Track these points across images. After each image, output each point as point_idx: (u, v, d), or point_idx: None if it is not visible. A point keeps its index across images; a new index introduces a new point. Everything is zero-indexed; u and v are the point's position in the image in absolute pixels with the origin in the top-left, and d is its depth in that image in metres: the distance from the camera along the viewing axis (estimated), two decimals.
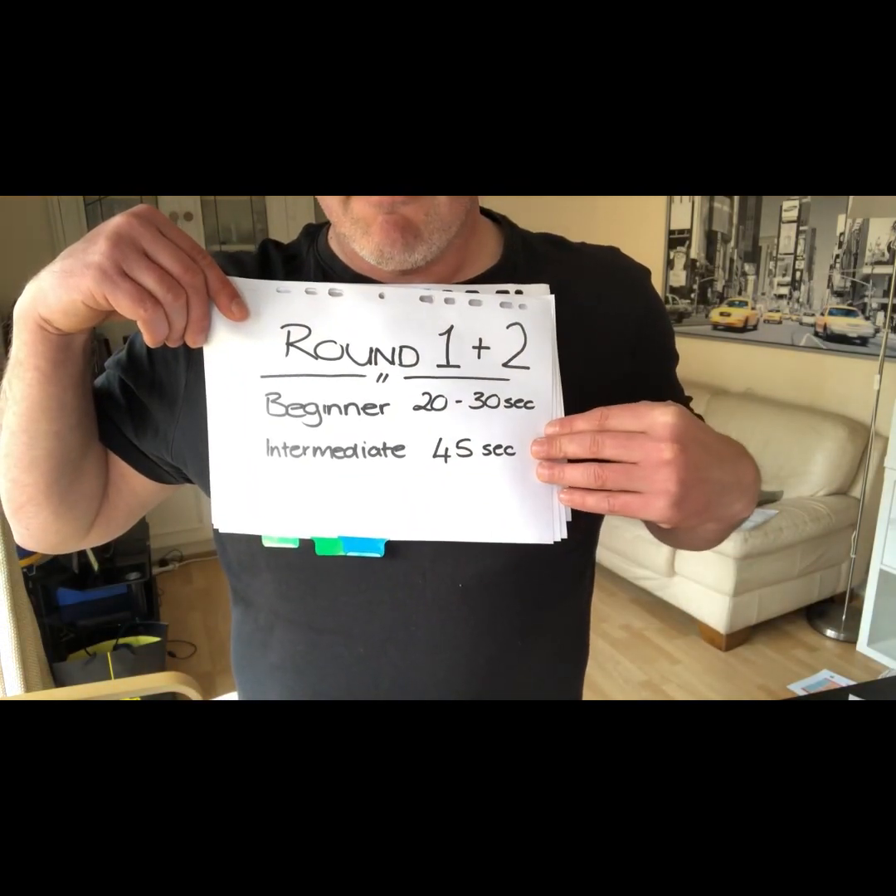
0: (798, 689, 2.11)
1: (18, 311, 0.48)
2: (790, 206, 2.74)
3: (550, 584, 0.61)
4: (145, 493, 0.64)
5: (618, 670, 2.23)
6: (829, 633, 2.41)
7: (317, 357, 0.51)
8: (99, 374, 0.61)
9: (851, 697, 0.89)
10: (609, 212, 3.59)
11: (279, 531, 0.54)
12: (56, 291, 0.45)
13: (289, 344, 0.51)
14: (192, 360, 0.55)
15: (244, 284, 0.51)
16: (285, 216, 3.04)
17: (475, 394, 0.51)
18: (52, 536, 0.61)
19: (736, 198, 2.98)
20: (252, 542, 0.57)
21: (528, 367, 0.52)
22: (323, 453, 0.52)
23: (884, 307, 2.40)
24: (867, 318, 2.50)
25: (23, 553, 1.70)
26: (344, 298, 0.52)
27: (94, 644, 2.07)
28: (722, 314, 3.10)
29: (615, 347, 0.59)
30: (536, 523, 0.52)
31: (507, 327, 0.52)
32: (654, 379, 0.61)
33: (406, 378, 0.51)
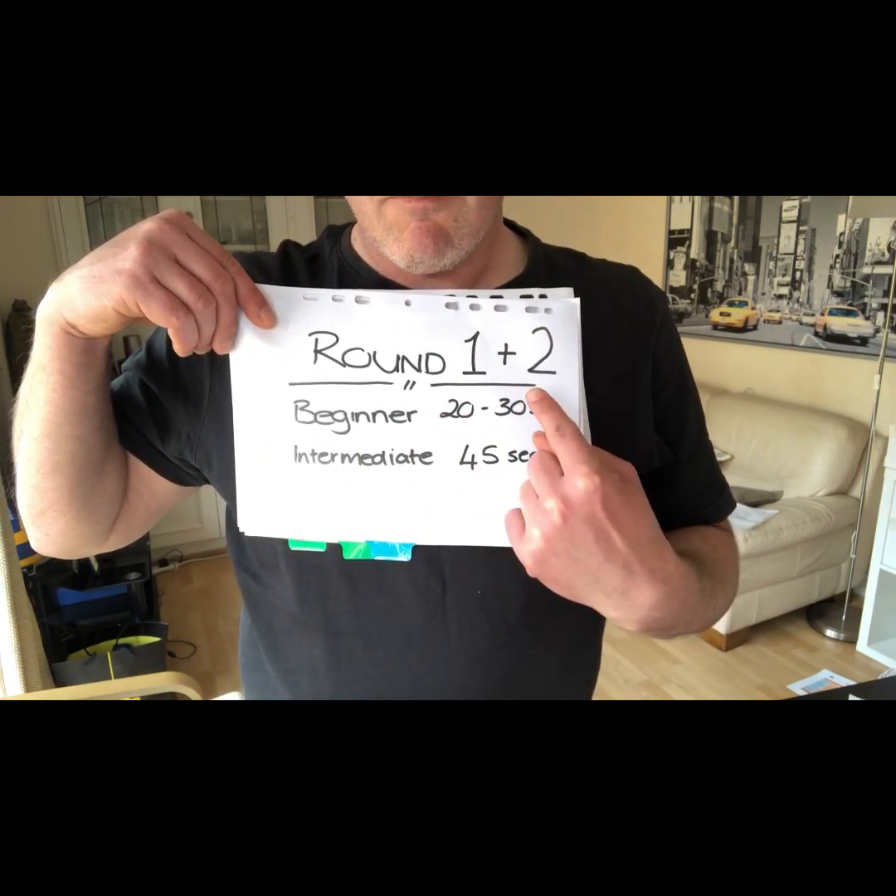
0: (798, 689, 2.11)
1: (42, 315, 0.48)
2: (790, 206, 2.74)
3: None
4: (165, 495, 0.64)
5: (618, 670, 2.23)
6: (829, 633, 2.41)
7: (344, 365, 0.52)
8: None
9: (851, 697, 0.89)
10: (609, 212, 3.59)
11: (306, 535, 0.55)
12: (85, 297, 0.44)
13: (317, 351, 0.51)
14: (217, 362, 0.55)
15: (272, 291, 0.51)
16: (285, 216, 3.04)
17: (501, 400, 0.51)
18: (72, 541, 0.61)
19: (736, 198, 2.98)
20: (276, 543, 0.57)
21: (554, 372, 0.52)
22: (351, 460, 0.52)
23: (884, 307, 2.40)
24: (867, 318, 2.50)
25: (23, 553, 1.70)
26: (370, 306, 0.52)
27: (94, 644, 2.07)
28: (722, 314, 3.10)
29: (630, 365, 0.59)
30: None
31: (533, 332, 0.52)
32: (666, 399, 0.62)
33: (433, 385, 0.51)
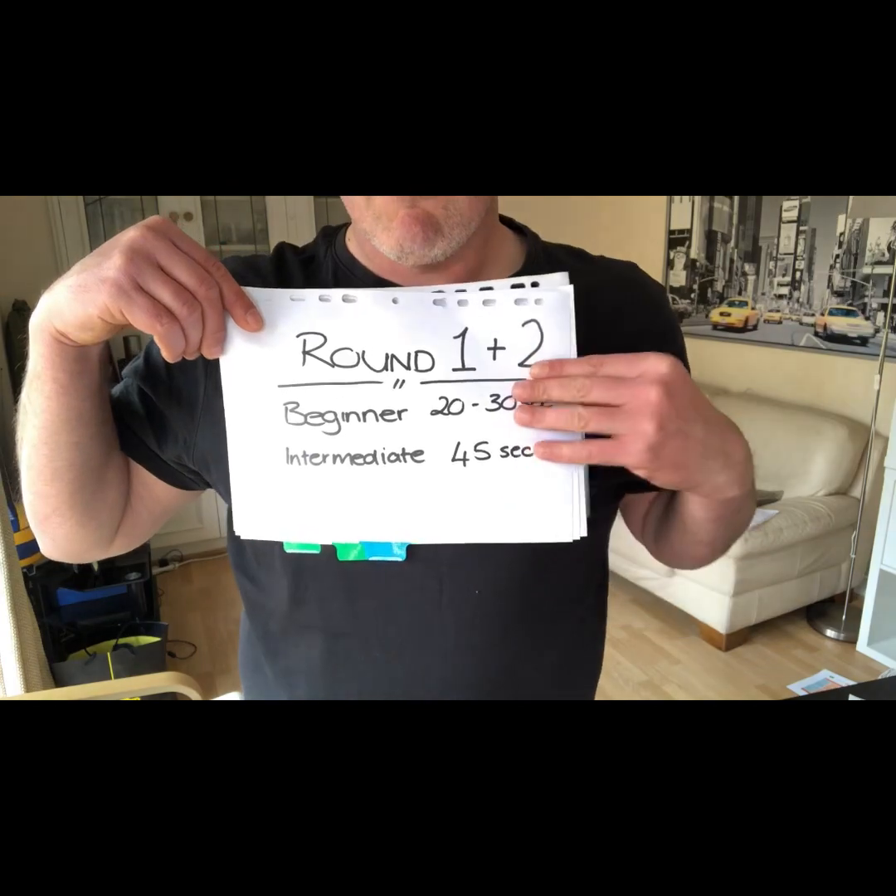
0: (798, 689, 2.11)
1: (34, 324, 0.48)
2: (790, 206, 2.74)
3: (561, 593, 0.62)
4: (168, 500, 0.64)
5: (618, 670, 2.23)
6: (829, 633, 2.41)
7: (333, 365, 0.51)
8: (116, 380, 0.61)
9: (851, 697, 0.89)
10: (609, 212, 3.59)
11: (301, 537, 0.55)
12: (71, 306, 0.45)
13: (305, 352, 0.51)
14: (211, 366, 0.55)
15: (258, 294, 0.50)
16: (285, 216, 3.04)
17: (491, 396, 0.51)
18: (77, 546, 0.61)
19: (736, 198, 2.98)
20: (273, 545, 0.57)
21: None
22: (342, 461, 0.52)
23: (884, 307, 2.40)
24: (867, 318, 2.50)
25: (23, 553, 1.70)
26: (358, 304, 0.51)
27: (94, 644, 2.07)
28: (722, 314, 3.10)
29: None
30: (556, 522, 0.53)
31: (523, 325, 0.51)
32: None
33: (422, 383, 0.51)
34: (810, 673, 2.20)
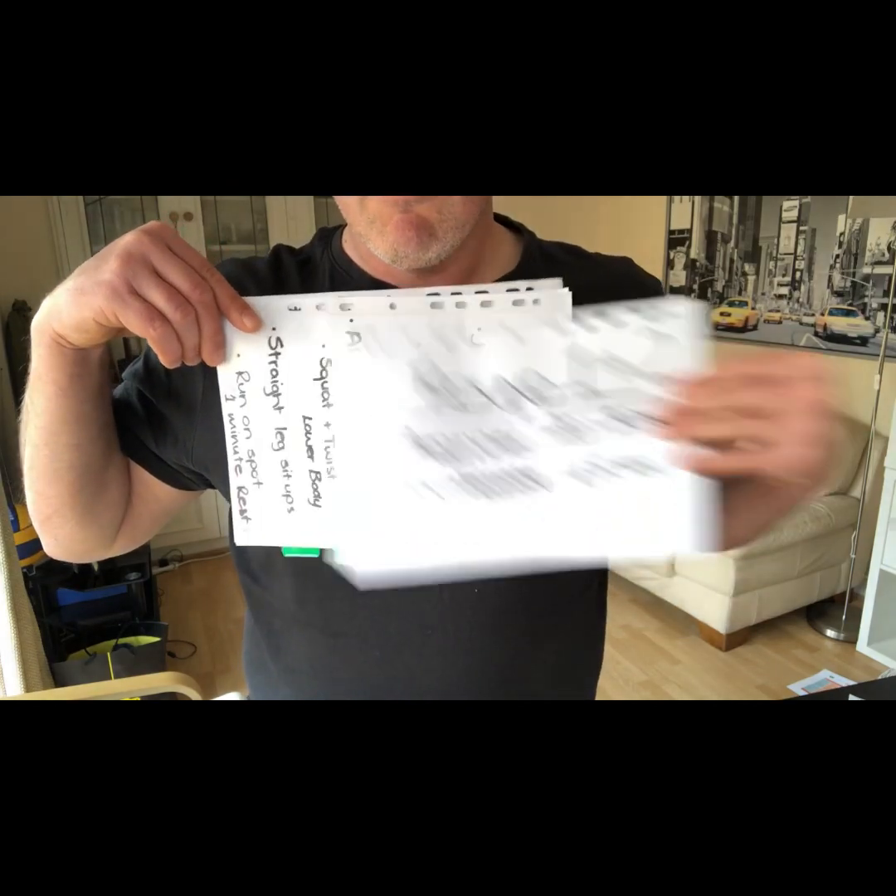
0: (798, 689, 2.11)
1: (35, 326, 0.49)
2: (790, 206, 2.74)
3: (561, 591, 0.62)
4: (168, 500, 0.64)
5: (618, 670, 2.23)
6: (829, 633, 2.41)
7: (440, 390, 0.50)
8: (117, 383, 0.61)
9: (851, 697, 0.89)
10: (609, 212, 3.59)
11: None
12: (69, 308, 0.45)
13: (416, 379, 0.50)
14: (210, 369, 0.55)
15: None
16: (285, 216, 3.04)
17: (606, 410, 0.49)
18: (79, 546, 0.62)
19: (736, 198, 2.98)
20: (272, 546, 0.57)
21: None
22: (454, 481, 0.50)
23: (884, 307, 2.40)
24: (867, 318, 2.50)
25: (23, 553, 1.70)
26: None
27: (94, 644, 2.07)
28: (722, 314, 3.10)
29: None
30: (678, 534, 0.50)
31: (636, 336, 0.48)
32: None
33: (532, 401, 0.50)
34: (810, 673, 2.20)
